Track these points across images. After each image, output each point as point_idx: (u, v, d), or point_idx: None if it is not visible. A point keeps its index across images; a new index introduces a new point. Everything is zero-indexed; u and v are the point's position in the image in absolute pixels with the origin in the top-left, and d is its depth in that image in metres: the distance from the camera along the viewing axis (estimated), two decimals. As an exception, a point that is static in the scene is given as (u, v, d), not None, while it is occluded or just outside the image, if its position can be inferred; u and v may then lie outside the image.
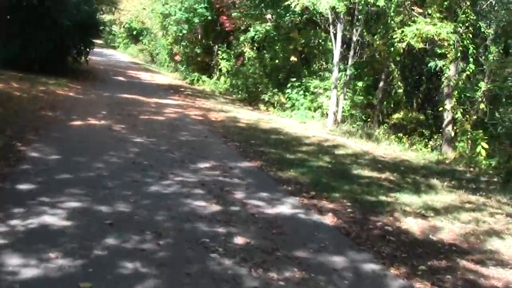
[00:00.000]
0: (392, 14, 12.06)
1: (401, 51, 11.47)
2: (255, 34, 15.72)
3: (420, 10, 10.80)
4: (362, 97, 13.74)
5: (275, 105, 15.33)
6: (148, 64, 29.17)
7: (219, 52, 19.62)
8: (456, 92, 11.12)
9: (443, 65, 10.80)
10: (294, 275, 3.61)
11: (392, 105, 13.87)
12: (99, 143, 7.07)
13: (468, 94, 11.32)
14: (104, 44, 40.75)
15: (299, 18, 14.66)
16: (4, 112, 8.22)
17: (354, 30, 12.68)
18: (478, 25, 11.23)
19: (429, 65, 11.02)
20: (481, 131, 9.77)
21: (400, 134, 12.25)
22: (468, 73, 10.91)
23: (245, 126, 10.51)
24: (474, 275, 4.09)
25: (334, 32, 12.62)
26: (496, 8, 12.81)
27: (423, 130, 12.79)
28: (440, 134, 12.18)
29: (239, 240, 4.13)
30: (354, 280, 3.72)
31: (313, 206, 5.42)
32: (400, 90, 13.59)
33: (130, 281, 3.21)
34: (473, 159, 9.67)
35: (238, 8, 17.59)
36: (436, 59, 10.74)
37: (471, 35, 10.86)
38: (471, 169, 9.35)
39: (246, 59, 17.66)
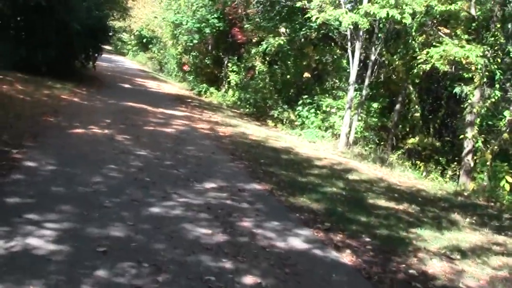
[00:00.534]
0: (414, 33, 11.60)
1: (421, 73, 10.98)
2: (267, 47, 15.28)
3: (447, 31, 10.31)
4: (376, 119, 13.25)
5: (284, 122, 14.89)
6: (156, 73, 28.88)
7: (229, 64, 19.27)
8: (478, 119, 10.59)
9: (468, 91, 10.27)
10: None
11: (407, 129, 13.35)
12: (100, 154, 6.60)
13: (490, 123, 10.78)
14: (113, 51, 40.64)
15: (315, 33, 14.23)
16: (3, 116, 7.78)
17: (373, 49, 12.20)
18: (507, 49, 10.70)
19: (454, 90, 10.50)
20: (505, 163, 9.21)
21: (416, 161, 11.71)
22: (493, 100, 10.36)
23: (254, 143, 10.03)
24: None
25: (352, 50, 12.16)
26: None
27: (440, 158, 12.24)
28: (457, 163, 11.63)
29: (248, 279, 3.63)
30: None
31: (329, 240, 4.91)
32: (417, 114, 13.08)
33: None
34: (494, 192, 9.13)
35: (251, 20, 17.23)
36: (461, 84, 10.21)
37: (499, 60, 10.35)
38: (492, 203, 8.82)
39: (257, 72, 17.28)
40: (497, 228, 6.81)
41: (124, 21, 32.57)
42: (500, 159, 10.19)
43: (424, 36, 12.01)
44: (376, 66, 13.03)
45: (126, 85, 17.93)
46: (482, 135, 10.76)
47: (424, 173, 10.47)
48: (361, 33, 11.84)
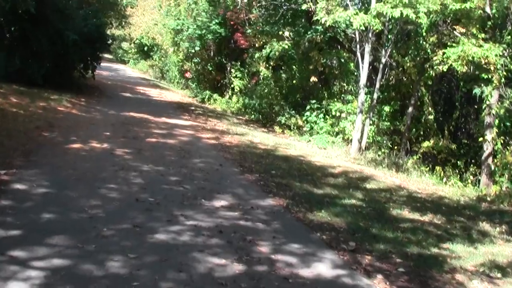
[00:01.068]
0: (424, 33, 11.03)
1: (434, 74, 10.42)
2: (270, 51, 14.71)
3: (462, 30, 9.73)
4: (388, 123, 12.66)
5: (292, 128, 14.33)
6: (158, 80, 28.40)
7: (232, 70, 18.74)
8: (497, 120, 10.01)
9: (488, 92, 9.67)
10: None
11: (421, 132, 12.74)
12: (98, 172, 6.04)
13: (508, 124, 10.19)
14: (114, 59, 40.22)
15: (321, 36, 13.66)
16: (-7, 131, 7.25)
17: (383, 51, 11.62)
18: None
19: (474, 91, 9.91)
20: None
21: (431, 165, 11.12)
22: (512, 100, 9.80)
23: (263, 152, 9.47)
24: None
25: (361, 52, 11.58)
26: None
27: (457, 161, 11.64)
28: (476, 167, 11.04)
29: (273, 323, 3.07)
30: None
31: (357, 264, 4.34)
32: (431, 117, 12.49)
33: None
34: (518, 197, 8.55)
35: (253, 25, 16.70)
36: (481, 84, 9.62)
37: (517, 58, 9.77)
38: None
39: (261, 78, 16.74)
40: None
41: (123, 29, 32.16)
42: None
43: (435, 36, 11.44)
44: (386, 69, 12.43)
45: (127, 94, 17.42)
46: (501, 137, 10.17)
47: (445, 179, 9.85)
48: (370, 34, 11.29)
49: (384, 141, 12.36)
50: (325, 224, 5.38)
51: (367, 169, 9.90)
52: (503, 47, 9.30)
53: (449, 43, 9.85)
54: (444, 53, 9.33)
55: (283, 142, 11.72)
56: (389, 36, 11.69)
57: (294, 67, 15.70)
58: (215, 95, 19.07)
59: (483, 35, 9.59)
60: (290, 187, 6.85)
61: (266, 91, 15.91)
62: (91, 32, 13.88)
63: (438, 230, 6.06)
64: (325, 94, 14.36)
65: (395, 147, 12.31)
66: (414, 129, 12.73)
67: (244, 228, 4.78)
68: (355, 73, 14.91)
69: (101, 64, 17.32)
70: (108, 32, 18.89)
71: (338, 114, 13.07)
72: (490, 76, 9.29)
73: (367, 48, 11.24)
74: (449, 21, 10.53)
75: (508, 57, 9.63)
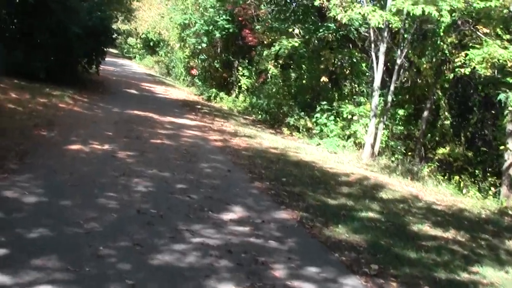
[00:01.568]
0: (441, 33, 10.50)
1: (452, 77, 9.91)
2: (279, 49, 14.17)
3: (486, 30, 9.20)
4: (402, 127, 12.13)
5: (301, 130, 13.83)
6: (164, 77, 27.94)
7: (240, 67, 18.26)
8: (519, 128, 9.51)
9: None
10: None
11: (436, 138, 12.21)
12: (97, 178, 5.58)
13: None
14: (119, 54, 39.80)
15: (333, 34, 13.14)
16: (-13, 130, 6.81)
17: (399, 51, 11.07)
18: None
19: (498, 97, 9.40)
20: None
21: (448, 173, 10.61)
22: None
23: (273, 156, 8.98)
24: None
25: (375, 52, 11.05)
26: None
27: (476, 170, 11.12)
28: (494, 176, 10.52)
29: None
30: None
31: (384, 293, 3.88)
32: (447, 122, 11.96)
33: None
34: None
35: (262, 22, 16.19)
36: (506, 90, 9.09)
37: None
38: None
39: (269, 76, 16.25)
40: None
41: (129, 24, 31.71)
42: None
43: (453, 36, 10.92)
44: (402, 70, 11.87)
45: (132, 91, 16.97)
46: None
47: (464, 190, 9.35)
48: (386, 33, 10.77)
49: (398, 147, 11.83)
50: (343, 242, 4.90)
51: (381, 176, 9.42)
52: (530, 49, 8.78)
53: (470, 44, 9.32)
54: (466, 55, 8.81)
55: (292, 145, 11.24)
56: (405, 36, 11.14)
57: (303, 66, 15.19)
58: (222, 93, 18.60)
59: (508, 36, 9.06)
60: (303, 197, 6.38)
61: (274, 90, 15.44)
62: (96, 25, 13.42)
63: (463, 249, 5.59)
64: (336, 95, 13.86)
65: (409, 153, 11.79)
66: (429, 135, 12.20)
67: (255, 247, 4.32)
68: (367, 74, 14.41)
69: (106, 59, 16.88)
70: (114, 26, 18.36)
71: (349, 116, 12.56)
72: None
73: (382, 48, 10.70)
74: (473, 21, 9.98)
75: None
